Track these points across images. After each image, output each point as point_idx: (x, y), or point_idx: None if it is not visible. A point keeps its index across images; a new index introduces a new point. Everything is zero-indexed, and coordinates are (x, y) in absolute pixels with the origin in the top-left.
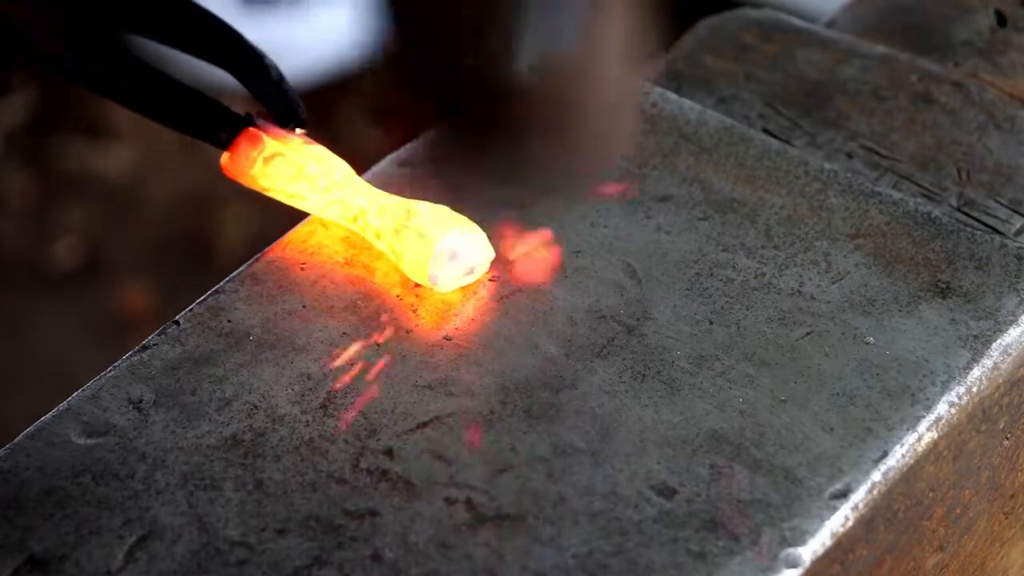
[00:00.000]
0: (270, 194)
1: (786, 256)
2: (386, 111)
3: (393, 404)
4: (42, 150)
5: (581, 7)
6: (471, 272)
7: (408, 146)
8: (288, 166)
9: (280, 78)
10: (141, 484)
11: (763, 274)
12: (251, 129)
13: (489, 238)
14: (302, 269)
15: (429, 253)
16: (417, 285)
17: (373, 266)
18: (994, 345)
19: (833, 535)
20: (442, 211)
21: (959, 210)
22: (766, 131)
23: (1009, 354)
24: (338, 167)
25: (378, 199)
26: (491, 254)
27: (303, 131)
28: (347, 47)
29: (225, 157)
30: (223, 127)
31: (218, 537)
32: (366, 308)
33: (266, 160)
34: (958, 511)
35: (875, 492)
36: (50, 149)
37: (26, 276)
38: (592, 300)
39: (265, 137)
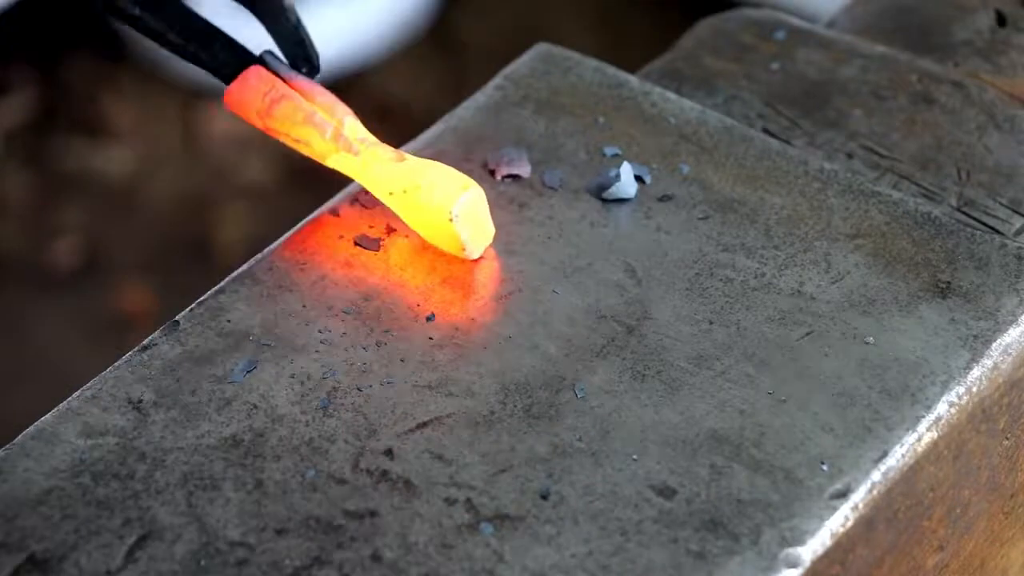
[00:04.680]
0: (276, 136)
1: (786, 256)
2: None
3: (393, 404)
4: (42, 150)
5: None
6: (484, 228)
7: (409, 145)
8: (295, 110)
9: (298, 22)
10: (141, 484)
11: (763, 274)
12: (260, 68)
13: None
14: (302, 269)
15: (448, 224)
16: (418, 285)
17: (373, 266)
18: (994, 345)
19: (833, 535)
20: (446, 174)
21: (959, 210)
22: (766, 131)
23: (1009, 354)
24: (347, 117)
25: (385, 154)
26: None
27: (313, 77)
28: (347, 47)
29: (228, 91)
30: (232, 62)
31: (218, 537)
32: (366, 308)
33: (273, 101)
34: (958, 511)
35: (875, 492)
36: (50, 149)
37: (26, 276)
38: (592, 300)
39: (275, 79)
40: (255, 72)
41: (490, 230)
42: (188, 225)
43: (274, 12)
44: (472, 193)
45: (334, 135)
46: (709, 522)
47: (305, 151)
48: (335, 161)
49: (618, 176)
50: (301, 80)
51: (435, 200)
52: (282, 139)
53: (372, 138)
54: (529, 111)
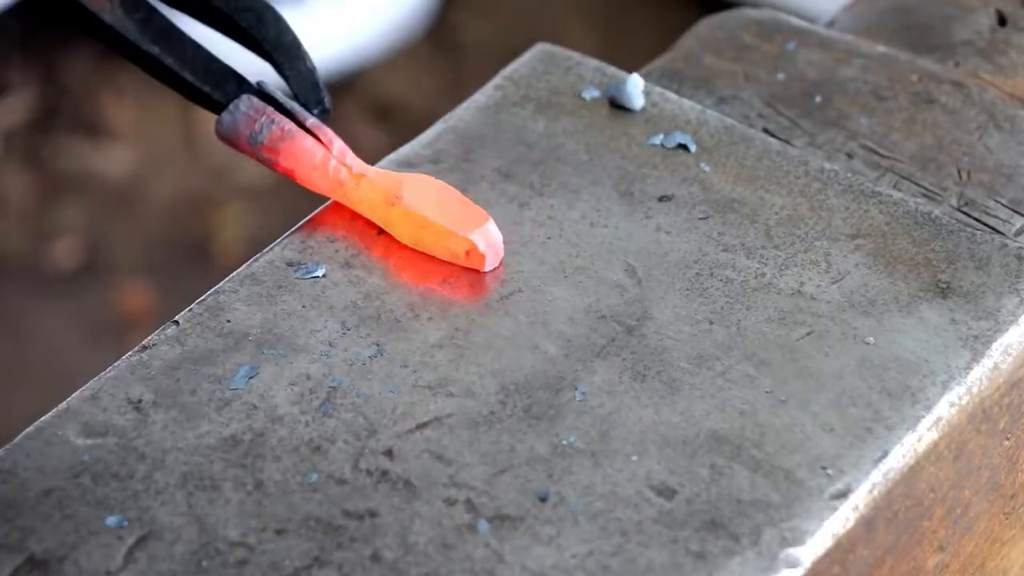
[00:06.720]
0: (270, 165)
1: (786, 256)
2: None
3: (393, 404)
4: (42, 150)
5: None
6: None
7: (408, 146)
8: (284, 137)
9: (313, 66)
10: (140, 484)
11: (763, 274)
12: (251, 96)
13: None
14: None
15: (445, 239)
16: (417, 285)
17: (372, 266)
18: (994, 345)
19: (833, 535)
20: (428, 186)
21: (959, 210)
22: (766, 131)
23: (1009, 354)
24: (347, 156)
25: (365, 170)
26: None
27: (326, 120)
28: (347, 47)
29: (220, 119)
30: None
31: (218, 537)
32: (366, 308)
33: (269, 128)
34: (958, 511)
35: (875, 492)
36: (50, 149)
37: (26, 276)
38: (592, 300)
39: (267, 107)
40: (247, 99)
41: (499, 242)
42: (188, 225)
43: (290, 56)
44: (486, 231)
45: (334, 169)
46: (709, 522)
47: (303, 182)
48: (332, 190)
49: (624, 84)
50: (304, 115)
51: (452, 243)
52: (275, 168)
53: (372, 171)
54: (529, 111)
